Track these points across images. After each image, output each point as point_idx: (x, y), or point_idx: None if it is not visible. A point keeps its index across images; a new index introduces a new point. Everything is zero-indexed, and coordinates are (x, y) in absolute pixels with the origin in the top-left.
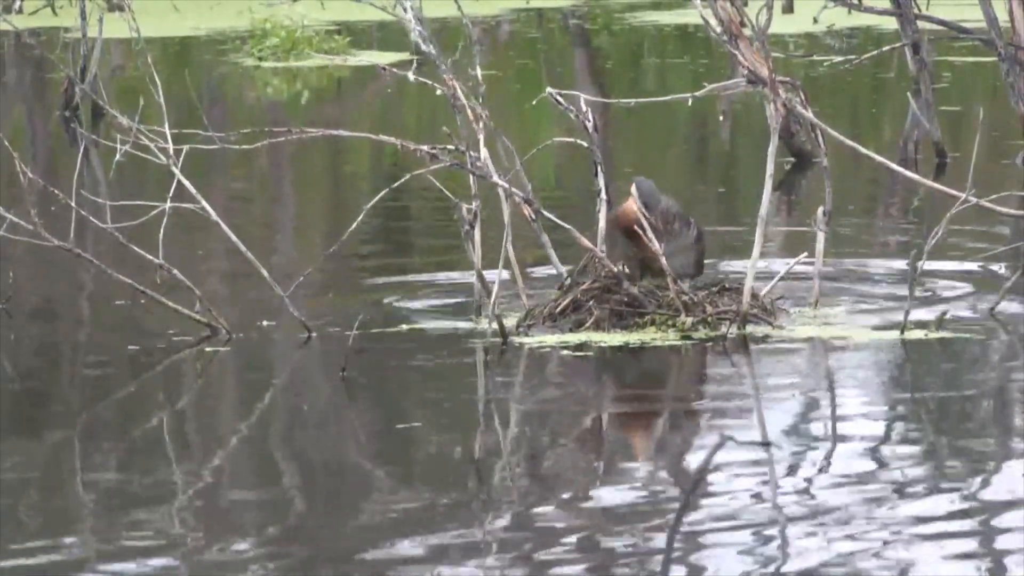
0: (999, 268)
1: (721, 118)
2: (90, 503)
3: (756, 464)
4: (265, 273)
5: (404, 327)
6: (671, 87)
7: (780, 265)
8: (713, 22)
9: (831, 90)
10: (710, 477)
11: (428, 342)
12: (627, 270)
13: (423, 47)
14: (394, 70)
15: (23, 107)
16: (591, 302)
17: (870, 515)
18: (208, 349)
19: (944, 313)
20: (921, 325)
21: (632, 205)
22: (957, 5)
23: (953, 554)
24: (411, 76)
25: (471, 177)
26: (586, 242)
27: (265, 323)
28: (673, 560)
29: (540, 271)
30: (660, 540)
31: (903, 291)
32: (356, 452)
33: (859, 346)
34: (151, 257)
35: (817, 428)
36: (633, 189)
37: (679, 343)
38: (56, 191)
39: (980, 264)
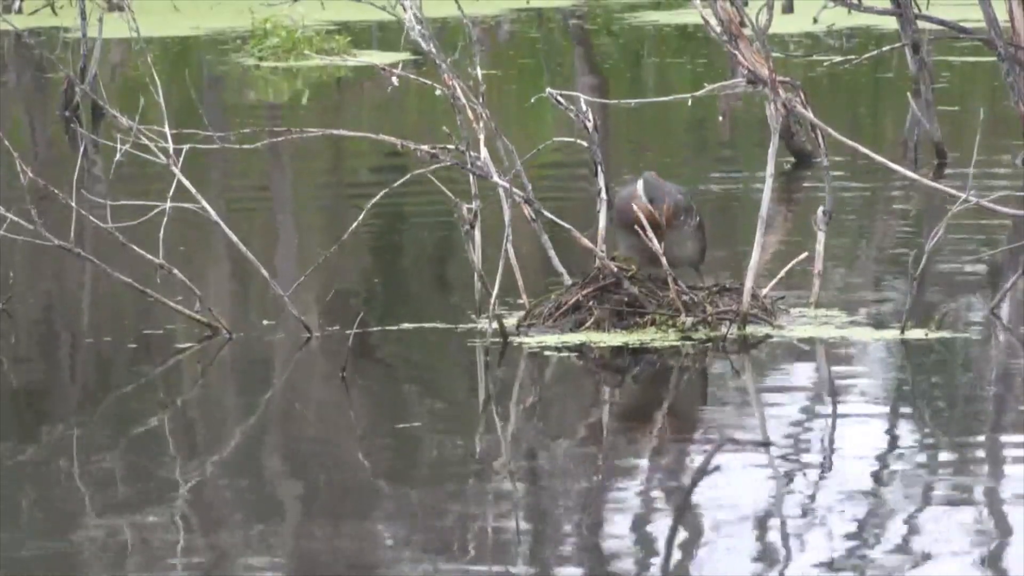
0: (999, 268)
1: (721, 118)
2: (90, 503)
3: (756, 464)
4: (265, 273)
5: (404, 326)
6: (671, 87)
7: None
8: (713, 22)
9: (831, 90)
10: (710, 477)
11: (428, 342)
12: (629, 263)
13: (423, 46)
14: (394, 71)
15: (23, 107)
16: (591, 302)
17: (870, 515)
18: (208, 349)
19: (944, 313)
20: (921, 325)
21: (636, 203)
22: (957, 5)
23: (953, 553)
24: (395, 80)
25: (471, 177)
26: (586, 242)
27: (265, 323)
28: (673, 560)
29: (540, 271)
30: (660, 540)
31: (903, 291)
32: (356, 452)
33: (859, 346)
34: (151, 257)
35: (817, 428)
36: (640, 187)
37: (679, 343)
38: (56, 191)
39: (980, 264)
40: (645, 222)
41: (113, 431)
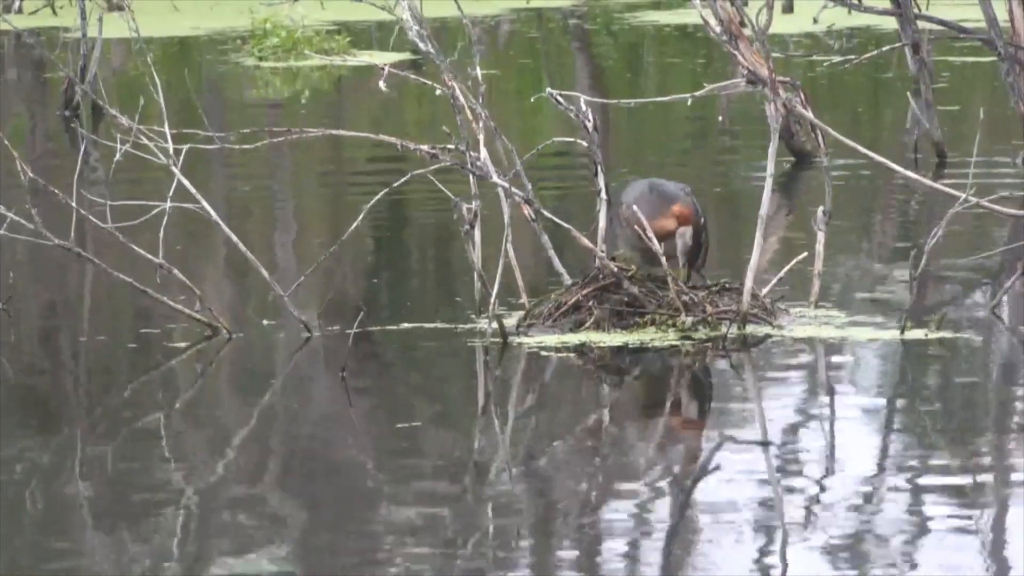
0: (999, 268)
1: (720, 118)
2: (89, 503)
3: (756, 464)
4: (265, 273)
5: (404, 326)
6: (671, 87)
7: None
8: (713, 22)
9: (831, 90)
10: (710, 477)
11: (428, 342)
12: (631, 261)
13: (421, 46)
14: (388, 68)
15: (23, 107)
16: (591, 302)
17: (870, 515)
18: (208, 349)
19: (944, 313)
20: (921, 325)
21: (679, 205)
22: (957, 5)
23: (953, 553)
24: (383, 85)
25: (471, 177)
26: (586, 242)
27: (265, 323)
28: (673, 560)
29: (540, 271)
30: (660, 540)
31: (903, 291)
32: (356, 452)
33: (859, 346)
34: (151, 257)
35: (817, 428)
36: (689, 201)
37: (679, 343)
38: (56, 191)
39: (979, 264)
40: (678, 225)
41: (113, 431)
